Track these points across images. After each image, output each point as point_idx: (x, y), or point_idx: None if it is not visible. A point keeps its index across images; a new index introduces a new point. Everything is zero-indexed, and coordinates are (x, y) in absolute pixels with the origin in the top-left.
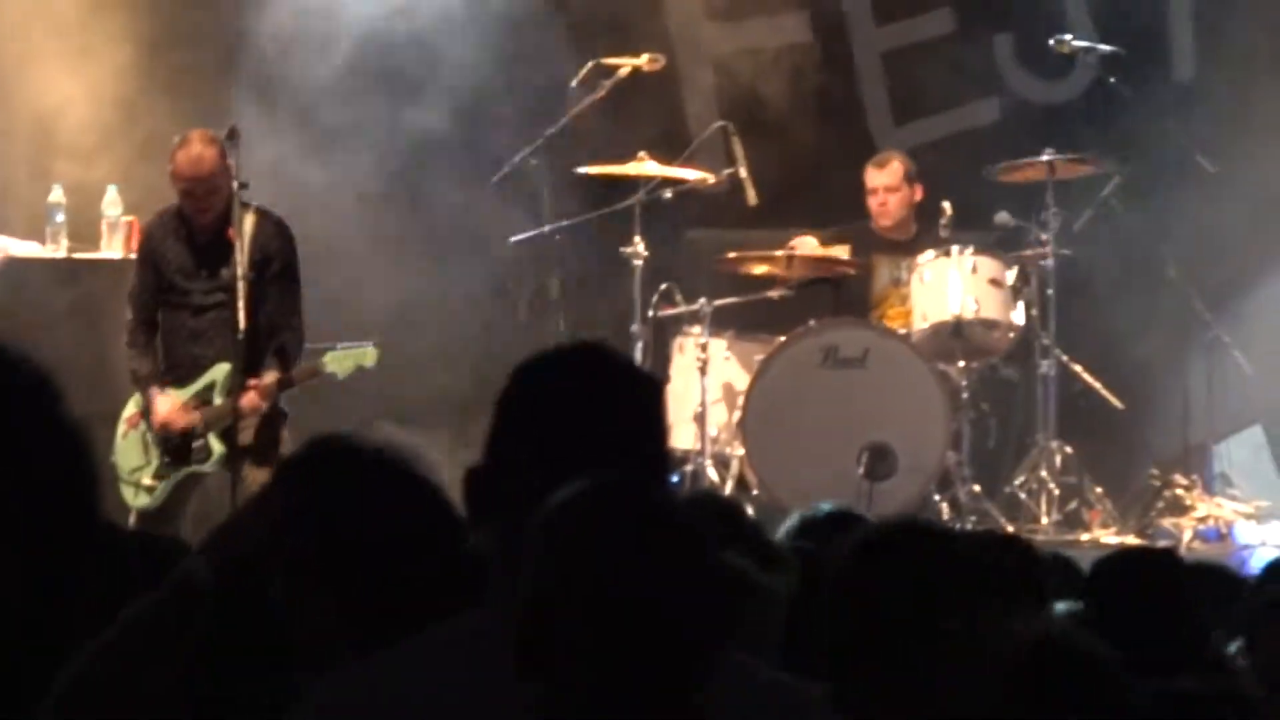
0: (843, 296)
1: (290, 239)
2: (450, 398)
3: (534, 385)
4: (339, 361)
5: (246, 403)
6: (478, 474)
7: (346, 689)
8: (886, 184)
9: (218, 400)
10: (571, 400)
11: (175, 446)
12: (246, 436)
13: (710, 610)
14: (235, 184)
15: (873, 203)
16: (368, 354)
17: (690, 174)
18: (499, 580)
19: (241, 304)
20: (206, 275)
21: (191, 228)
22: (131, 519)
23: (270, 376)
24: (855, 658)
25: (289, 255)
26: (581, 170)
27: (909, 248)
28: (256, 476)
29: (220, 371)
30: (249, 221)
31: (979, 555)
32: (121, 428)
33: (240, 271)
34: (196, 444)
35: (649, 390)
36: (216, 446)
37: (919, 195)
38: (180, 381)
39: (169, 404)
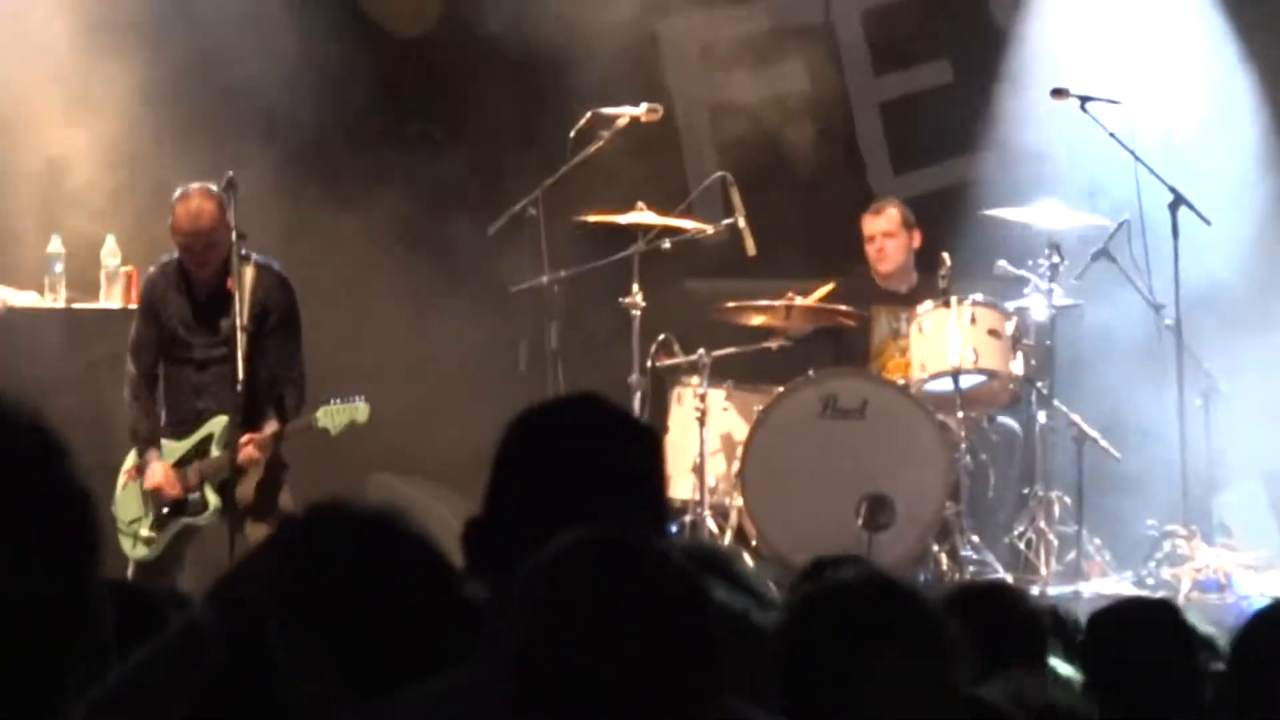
0: (842, 348)
1: (290, 291)
2: (449, 448)
3: (531, 437)
4: (331, 417)
5: (244, 456)
6: (476, 525)
7: None
8: (884, 230)
9: (215, 452)
10: (569, 451)
11: (171, 498)
12: (246, 490)
13: (706, 659)
14: (234, 235)
15: (870, 250)
16: (359, 410)
17: (689, 224)
18: (492, 631)
19: (241, 357)
20: (207, 328)
21: (191, 281)
22: (130, 570)
23: (269, 429)
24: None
25: (289, 307)
26: (580, 220)
27: (908, 299)
28: (255, 530)
29: (218, 424)
30: (249, 274)
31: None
32: (121, 479)
33: (240, 323)
34: (192, 496)
35: (648, 441)
36: (212, 499)
37: (917, 242)
38: (181, 435)
39: (160, 472)
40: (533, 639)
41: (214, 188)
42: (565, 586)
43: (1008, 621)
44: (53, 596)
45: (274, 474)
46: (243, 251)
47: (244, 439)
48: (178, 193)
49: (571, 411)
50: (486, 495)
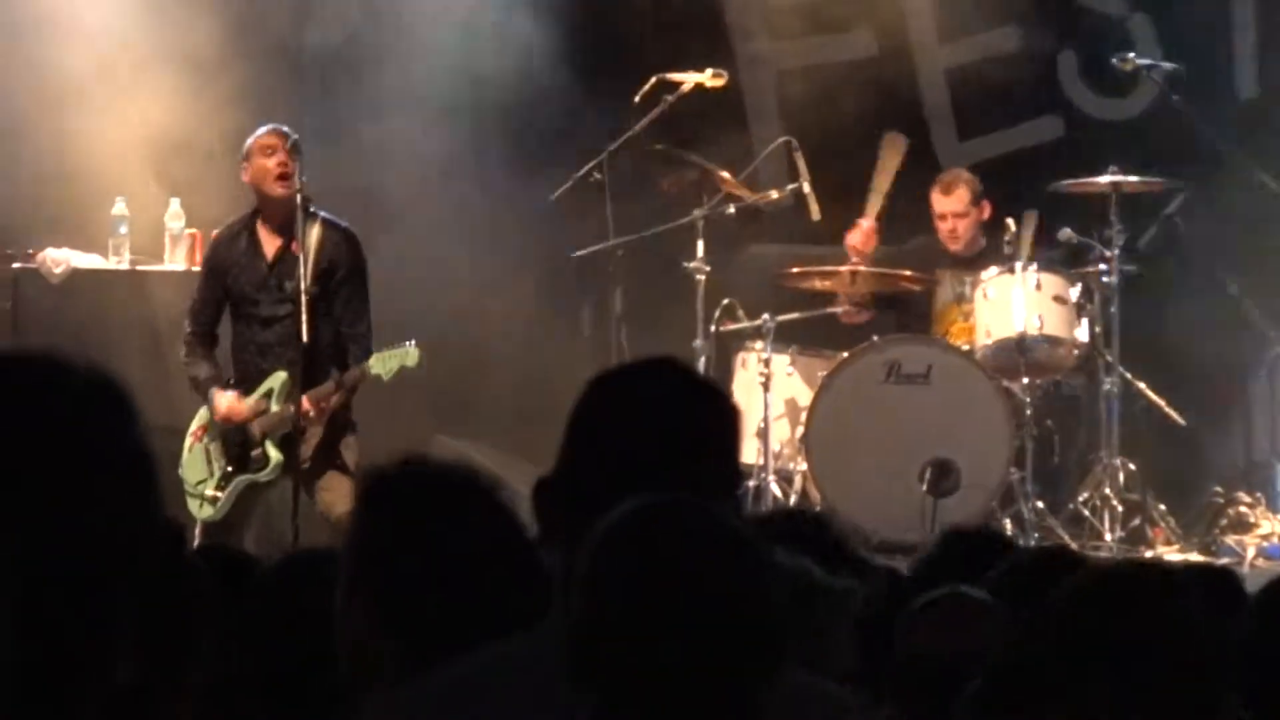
0: (905, 313)
1: (358, 247)
2: (514, 410)
3: (607, 399)
4: (383, 363)
5: (303, 409)
6: (547, 485)
7: (402, 706)
8: (955, 210)
9: (274, 408)
10: (644, 415)
11: (235, 455)
12: (309, 449)
13: (765, 628)
14: (300, 196)
15: (942, 228)
16: (410, 354)
17: (753, 188)
18: (562, 597)
19: (305, 317)
20: (274, 287)
21: (259, 242)
22: (198, 531)
23: (327, 386)
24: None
25: (356, 263)
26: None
27: (974, 264)
28: (322, 492)
29: (277, 379)
30: (315, 232)
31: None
32: (188, 441)
33: (304, 285)
34: (254, 452)
35: (723, 407)
36: (274, 454)
37: (987, 214)
38: (245, 393)
39: (228, 400)
40: (589, 609)
41: (289, 130)
42: (621, 555)
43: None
44: (103, 561)
45: (338, 434)
46: (312, 209)
47: (304, 398)
48: (251, 136)
49: (647, 375)
50: (560, 457)
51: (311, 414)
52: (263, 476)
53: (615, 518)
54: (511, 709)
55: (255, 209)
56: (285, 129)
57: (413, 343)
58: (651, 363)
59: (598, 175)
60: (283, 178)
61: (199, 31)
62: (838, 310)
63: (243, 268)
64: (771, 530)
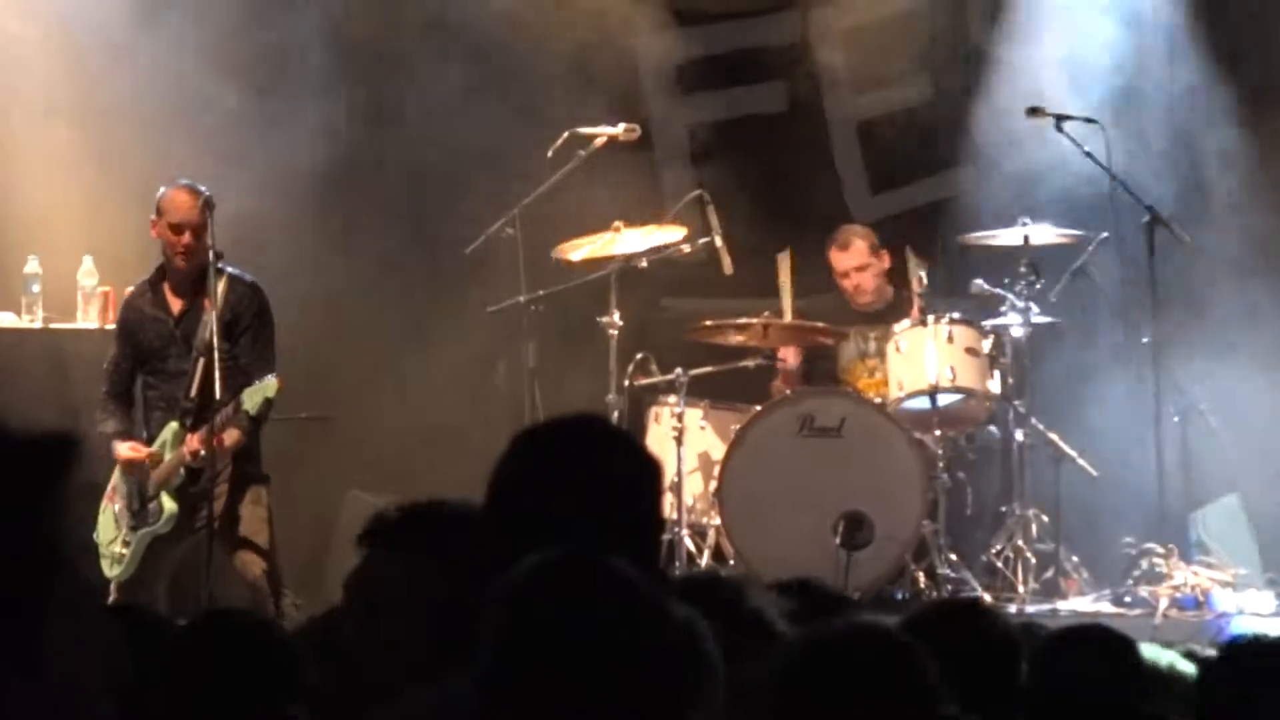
0: (813, 368)
1: (261, 296)
2: (429, 465)
3: (534, 453)
4: (250, 399)
5: (187, 449)
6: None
7: None
8: (855, 264)
9: (167, 457)
10: (571, 470)
11: (135, 510)
12: (220, 506)
13: (663, 680)
14: (211, 253)
15: (846, 285)
16: (269, 385)
17: (667, 236)
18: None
19: (199, 371)
20: (182, 342)
21: (166, 298)
22: (112, 591)
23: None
24: None
25: (259, 313)
26: (558, 253)
27: (878, 318)
28: (239, 554)
29: (169, 431)
30: (221, 287)
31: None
32: (103, 503)
33: (214, 341)
34: (150, 505)
35: (646, 464)
36: (168, 505)
37: (886, 263)
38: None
39: (126, 448)
40: (493, 661)
41: (200, 187)
42: (521, 611)
43: (981, 641)
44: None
45: (249, 489)
46: (218, 264)
47: (190, 436)
48: (164, 188)
49: (572, 431)
50: (484, 509)
51: (198, 452)
52: (160, 528)
53: (518, 574)
54: None
55: (162, 265)
56: (198, 189)
57: (273, 375)
58: (574, 419)
59: (510, 230)
60: (185, 255)
61: (111, 87)
62: (749, 364)
63: (150, 324)
64: (689, 594)
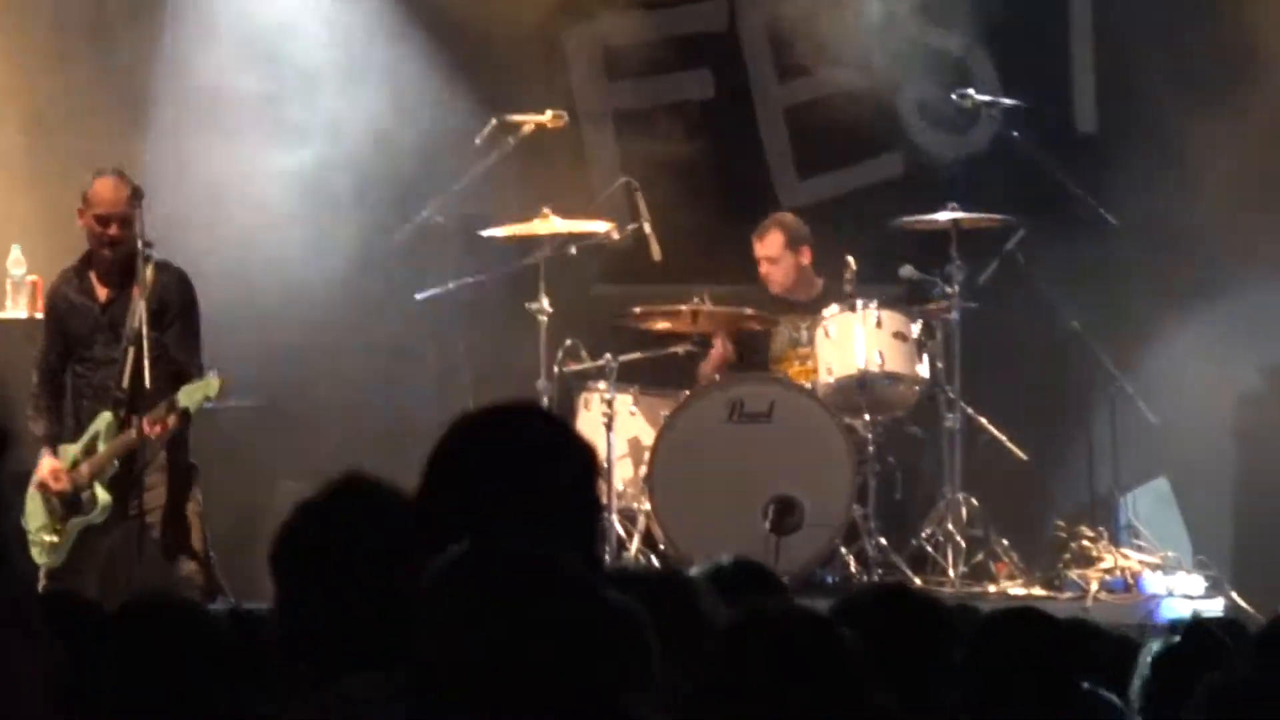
0: (743, 355)
1: (188, 286)
2: (360, 453)
3: (471, 440)
4: (189, 395)
5: (142, 431)
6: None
7: None
8: (768, 255)
9: (101, 448)
10: (508, 457)
11: (68, 500)
12: (154, 500)
13: (596, 667)
14: (140, 242)
15: (760, 271)
16: (211, 385)
17: (594, 228)
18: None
19: (130, 361)
20: (109, 329)
21: (93, 286)
22: (41, 578)
23: (161, 408)
24: None
25: (187, 301)
26: (487, 233)
27: (809, 307)
28: (178, 559)
29: (103, 421)
30: (148, 273)
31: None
32: (30, 490)
33: (143, 330)
34: (84, 495)
35: (582, 451)
36: (102, 496)
37: (806, 259)
38: (78, 437)
39: (48, 466)
40: (424, 648)
41: (128, 175)
42: (453, 598)
43: (914, 625)
44: None
45: (180, 482)
46: (144, 253)
47: (143, 420)
48: (92, 174)
49: (509, 418)
50: (419, 496)
51: (152, 434)
52: (94, 518)
53: (447, 561)
54: None
55: (88, 252)
56: (126, 178)
57: (214, 372)
58: (511, 406)
59: (439, 218)
60: (111, 245)
61: (41, 78)
62: (679, 350)
63: (77, 312)
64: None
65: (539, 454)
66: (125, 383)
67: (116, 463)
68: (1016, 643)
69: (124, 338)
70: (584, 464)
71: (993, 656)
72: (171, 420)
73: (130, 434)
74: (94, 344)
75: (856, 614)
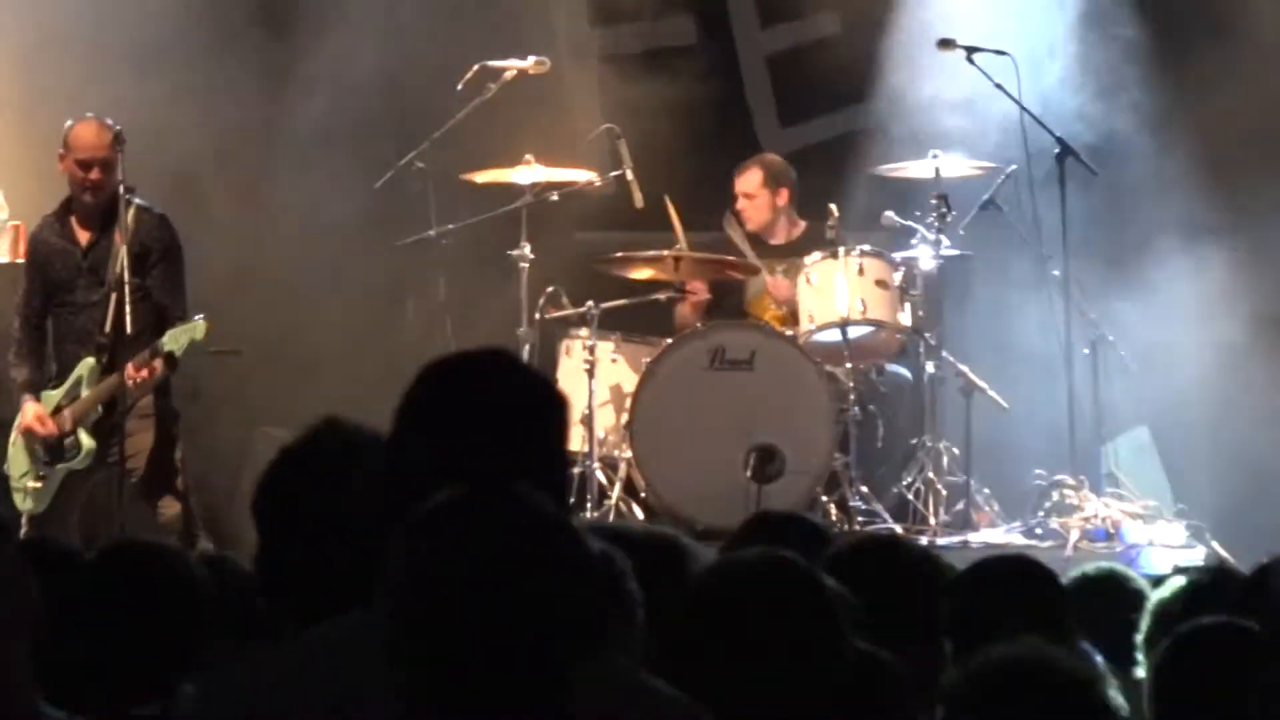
0: (719, 302)
1: (171, 230)
2: (339, 400)
3: (439, 387)
4: (175, 339)
5: (127, 375)
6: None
7: (225, 685)
8: (745, 190)
9: (84, 394)
10: (477, 404)
11: (51, 445)
12: (139, 443)
13: (579, 615)
14: (121, 187)
15: (737, 206)
16: (197, 327)
17: (577, 175)
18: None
19: (113, 305)
20: (90, 273)
21: (74, 230)
22: (24, 524)
23: (144, 354)
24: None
25: (169, 245)
26: (467, 177)
27: (783, 251)
28: (159, 504)
29: (85, 366)
30: (128, 219)
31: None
32: (12, 435)
33: (122, 274)
34: (67, 441)
35: (553, 398)
36: (86, 441)
37: (783, 199)
38: (61, 383)
39: (33, 411)
40: (405, 594)
41: (108, 121)
42: (435, 543)
43: (901, 576)
44: None
45: (167, 426)
46: (125, 196)
47: (128, 365)
48: (71, 122)
49: (478, 365)
50: (389, 444)
51: (136, 380)
52: (77, 464)
53: (430, 506)
54: (337, 686)
55: (69, 197)
56: (107, 124)
57: (200, 317)
58: (482, 353)
59: (420, 164)
60: (93, 190)
61: (16, 24)
62: (660, 297)
63: (58, 256)
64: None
65: (508, 401)
66: (108, 327)
67: (100, 408)
68: (1007, 590)
69: (106, 282)
70: (554, 410)
71: (982, 604)
72: (157, 365)
73: (114, 379)
74: (75, 289)
75: (845, 565)
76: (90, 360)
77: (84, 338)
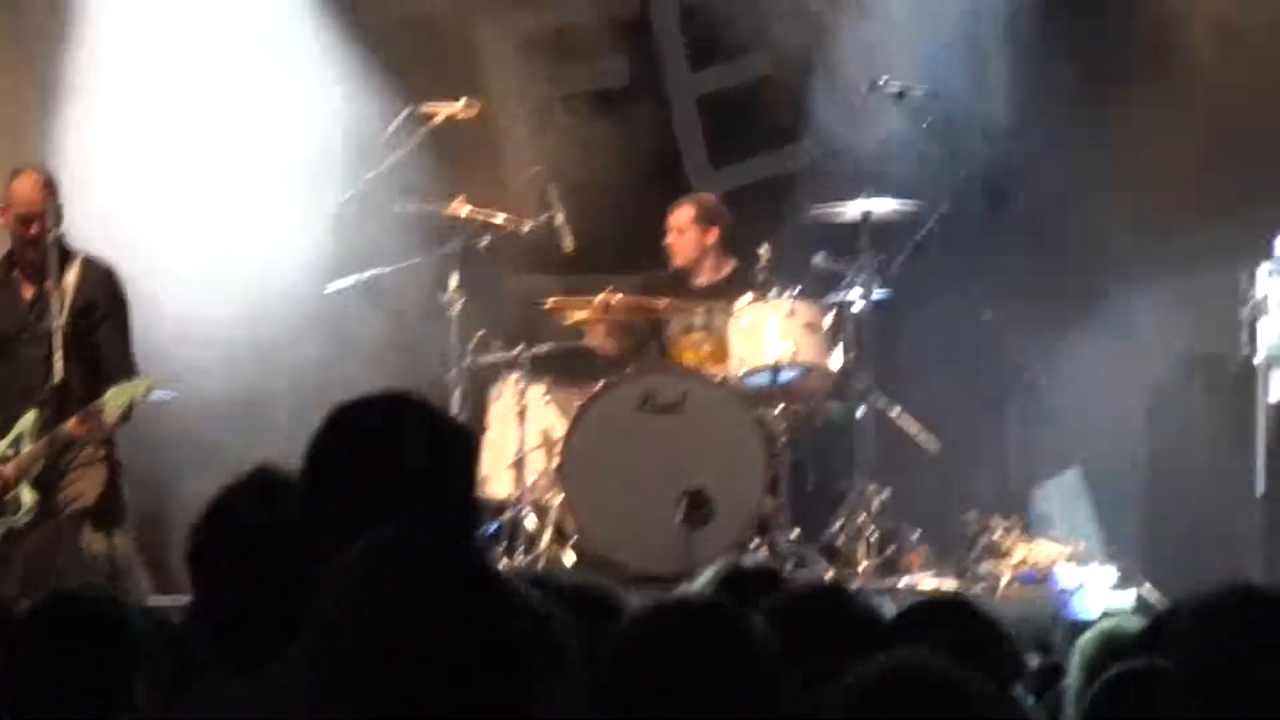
0: (636, 341)
1: (118, 285)
2: (268, 448)
3: (346, 431)
4: (115, 398)
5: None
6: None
7: None
8: (676, 224)
9: (26, 448)
10: (382, 448)
11: None
12: (83, 490)
13: (508, 665)
14: (51, 236)
15: (668, 241)
16: (139, 386)
17: (507, 219)
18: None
19: (59, 355)
20: (34, 326)
21: (19, 284)
22: None
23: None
24: None
25: (116, 300)
26: (399, 209)
27: (709, 292)
28: (94, 536)
29: (26, 421)
30: (74, 270)
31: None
32: None
33: (59, 323)
34: (8, 496)
35: (462, 440)
36: (27, 497)
37: (711, 238)
38: (3, 437)
39: None
40: (326, 642)
41: (46, 170)
42: (358, 593)
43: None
44: None
45: (114, 475)
46: (71, 248)
47: (74, 418)
48: (10, 175)
49: (382, 410)
50: (300, 488)
51: (80, 434)
52: (19, 520)
53: (353, 555)
54: None
55: (10, 250)
56: (40, 173)
57: (142, 377)
58: (387, 396)
59: (352, 207)
60: (33, 244)
61: None
62: (591, 342)
63: (2, 309)
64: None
65: (415, 442)
66: (54, 379)
67: (43, 462)
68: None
69: (49, 335)
70: (461, 448)
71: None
72: (107, 417)
73: (58, 433)
74: (20, 342)
75: (786, 613)
76: (31, 414)
77: (27, 392)
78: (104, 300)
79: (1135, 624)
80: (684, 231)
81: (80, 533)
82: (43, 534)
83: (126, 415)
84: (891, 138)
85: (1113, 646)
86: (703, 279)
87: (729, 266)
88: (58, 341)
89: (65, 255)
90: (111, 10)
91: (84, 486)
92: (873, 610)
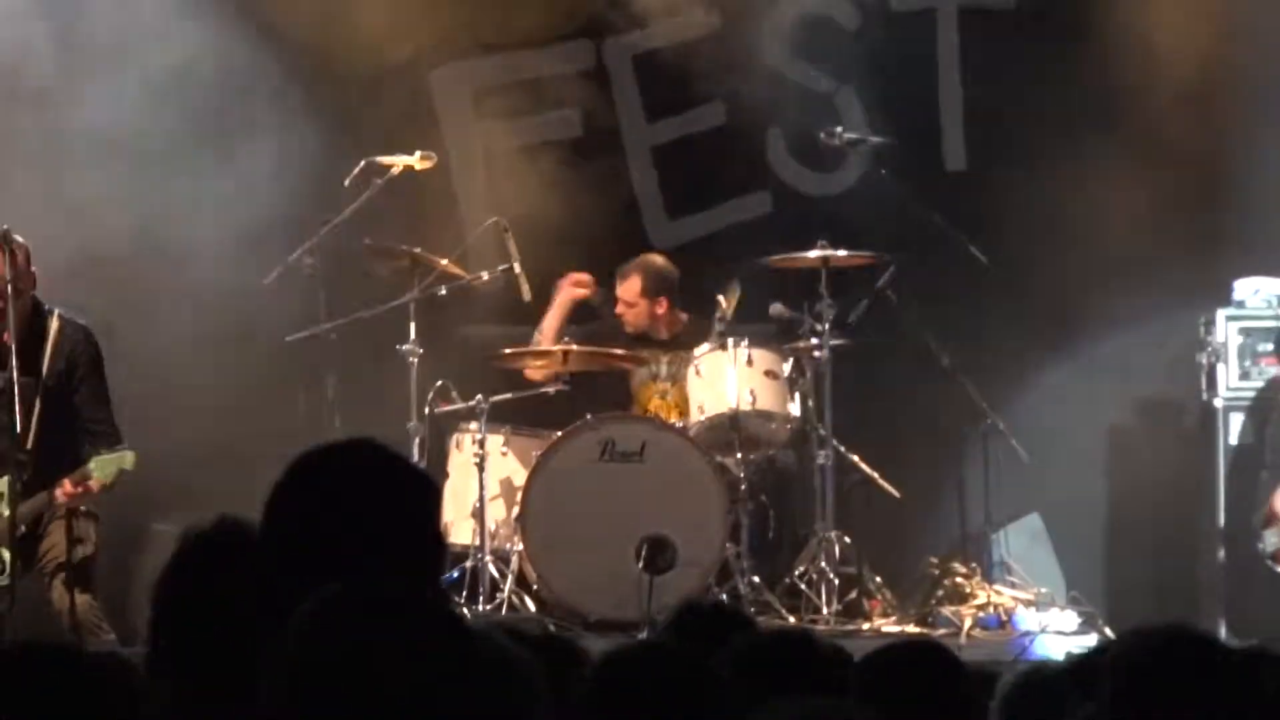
0: (604, 392)
1: (95, 344)
2: (229, 496)
3: (304, 482)
4: (102, 468)
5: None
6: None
7: None
8: (624, 298)
9: (3, 513)
10: (341, 498)
11: None
12: (54, 546)
13: (470, 710)
14: (9, 289)
15: (617, 309)
16: (126, 458)
17: (464, 269)
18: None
19: (34, 424)
20: (9, 392)
21: None
22: None
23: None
24: None
25: (94, 360)
26: (357, 259)
27: (667, 345)
28: (79, 594)
29: (3, 485)
30: (52, 328)
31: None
32: None
33: (13, 376)
34: None
35: (423, 487)
36: (4, 556)
37: (662, 308)
38: None
39: None
40: (284, 695)
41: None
42: (319, 644)
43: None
44: None
45: (82, 526)
46: (48, 306)
47: (65, 481)
48: None
49: (345, 457)
50: (260, 538)
51: (62, 500)
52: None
53: (315, 603)
54: None
55: None
56: (5, 244)
57: (125, 446)
58: (348, 445)
59: (309, 259)
60: (2, 316)
61: None
62: (549, 390)
63: None
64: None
65: (377, 488)
66: (29, 444)
67: (23, 527)
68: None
69: (26, 400)
70: (421, 495)
71: (885, 690)
72: (93, 485)
73: (40, 499)
74: None
75: (754, 656)
76: (4, 479)
77: (2, 456)
78: (84, 361)
79: (1056, 667)
80: (633, 304)
81: (51, 587)
82: (20, 595)
83: (112, 485)
84: (847, 185)
85: (1032, 690)
86: (660, 336)
87: (682, 320)
88: (30, 403)
89: (41, 314)
90: (73, 61)
91: (60, 539)
92: (841, 652)
